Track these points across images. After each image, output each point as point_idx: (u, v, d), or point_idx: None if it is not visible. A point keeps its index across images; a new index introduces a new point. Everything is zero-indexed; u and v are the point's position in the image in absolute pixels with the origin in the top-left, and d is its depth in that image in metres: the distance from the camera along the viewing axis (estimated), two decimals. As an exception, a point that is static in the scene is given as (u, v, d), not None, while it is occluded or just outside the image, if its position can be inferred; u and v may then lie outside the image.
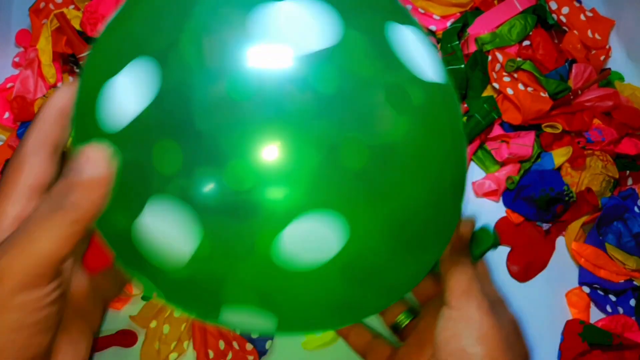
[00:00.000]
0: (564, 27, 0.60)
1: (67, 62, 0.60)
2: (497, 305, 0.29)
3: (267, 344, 0.48)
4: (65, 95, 0.24)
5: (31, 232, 0.21)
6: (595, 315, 0.51)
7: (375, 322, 0.35)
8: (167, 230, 0.19)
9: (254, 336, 0.48)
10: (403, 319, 0.34)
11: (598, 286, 0.51)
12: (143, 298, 0.50)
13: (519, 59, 0.57)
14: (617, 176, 0.54)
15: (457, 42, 0.57)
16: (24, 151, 0.23)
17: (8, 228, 0.22)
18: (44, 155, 0.23)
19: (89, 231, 0.22)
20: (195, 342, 0.48)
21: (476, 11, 0.60)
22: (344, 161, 0.19)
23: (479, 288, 0.29)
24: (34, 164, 0.23)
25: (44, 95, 0.55)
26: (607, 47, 0.61)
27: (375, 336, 0.35)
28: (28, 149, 0.23)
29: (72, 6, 0.61)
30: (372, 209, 0.19)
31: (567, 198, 0.52)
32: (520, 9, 0.59)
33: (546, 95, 0.55)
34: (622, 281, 0.51)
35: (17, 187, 0.23)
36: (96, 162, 0.20)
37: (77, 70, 0.60)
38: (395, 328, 0.35)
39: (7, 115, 0.57)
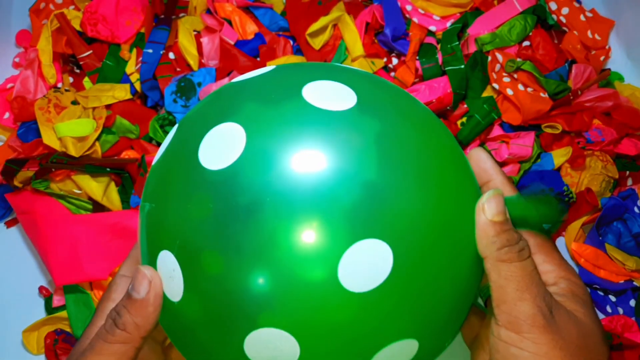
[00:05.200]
0: (564, 28, 0.60)
1: (67, 63, 0.60)
2: (557, 313, 0.26)
3: None
4: None
5: (90, 356, 0.25)
6: (595, 316, 0.51)
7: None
8: None
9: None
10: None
11: (598, 286, 0.51)
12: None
13: (518, 59, 0.57)
14: (616, 176, 0.54)
15: (457, 43, 0.57)
16: (118, 274, 0.30)
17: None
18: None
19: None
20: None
21: (476, 11, 0.60)
22: None
23: (532, 296, 0.25)
24: (125, 285, 0.29)
25: (44, 96, 0.55)
26: (607, 47, 0.61)
27: (473, 310, 0.31)
28: (121, 271, 0.29)
29: (72, 6, 0.61)
30: None
31: (567, 198, 0.52)
32: (520, 10, 0.59)
33: (546, 95, 0.55)
34: (622, 281, 0.51)
35: (108, 304, 0.28)
36: (143, 283, 0.24)
37: (77, 71, 0.60)
38: (482, 294, 0.31)
39: (7, 115, 0.57)
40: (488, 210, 0.25)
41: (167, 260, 0.21)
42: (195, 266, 0.20)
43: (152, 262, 0.23)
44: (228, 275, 0.19)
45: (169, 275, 0.22)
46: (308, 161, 0.18)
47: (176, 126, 0.24)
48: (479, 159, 0.28)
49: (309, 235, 0.17)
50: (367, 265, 0.18)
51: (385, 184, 0.18)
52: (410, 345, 0.20)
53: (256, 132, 0.19)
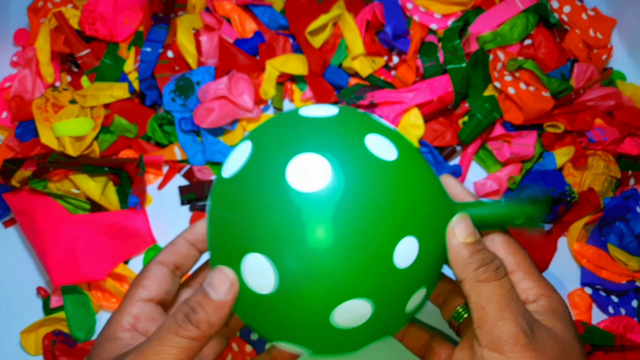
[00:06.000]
0: (566, 26, 0.60)
1: (66, 61, 0.60)
2: (538, 330, 0.26)
3: (267, 346, 0.47)
4: (196, 231, 0.30)
5: (157, 345, 0.25)
6: (597, 317, 0.51)
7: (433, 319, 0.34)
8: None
9: (254, 338, 0.47)
10: (461, 312, 0.32)
11: (600, 287, 0.51)
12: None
13: (520, 58, 0.56)
14: (619, 176, 0.54)
15: (459, 41, 0.57)
16: (153, 261, 0.30)
17: (127, 326, 0.28)
18: (166, 270, 0.30)
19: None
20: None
21: (477, 10, 0.60)
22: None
23: (513, 315, 0.26)
24: (157, 273, 0.29)
25: (42, 95, 0.55)
26: (609, 46, 0.61)
27: (433, 336, 0.33)
28: (158, 258, 0.30)
29: (71, 5, 0.61)
30: None
31: (569, 198, 0.52)
32: (522, 8, 0.59)
33: (548, 94, 0.54)
34: (624, 282, 0.51)
35: (138, 290, 0.29)
36: (225, 285, 0.26)
37: (76, 70, 0.60)
38: (455, 320, 0.32)
39: (5, 114, 0.57)
40: (459, 233, 0.27)
41: (256, 261, 0.25)
42: (290, 266, 0.24)
43: (234, 262, 0.26)
44: (320, 268, 0.24)
45: (257, 272, 0.25)
46: (373, 196, 0.25)
47: (248, 145, 0.27)
48: (449, 185, 0.30)
49: (378, 238, 0.25)
50: (408, 251, 0.26)
51: (418, 203, 0.27)
52: (422, 291, 0.28)
53: (339, 166, 0.25)
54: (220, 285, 0.26)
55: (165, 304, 0.31)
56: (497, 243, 0.29)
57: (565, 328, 0.27)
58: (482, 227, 0.29)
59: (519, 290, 0.28)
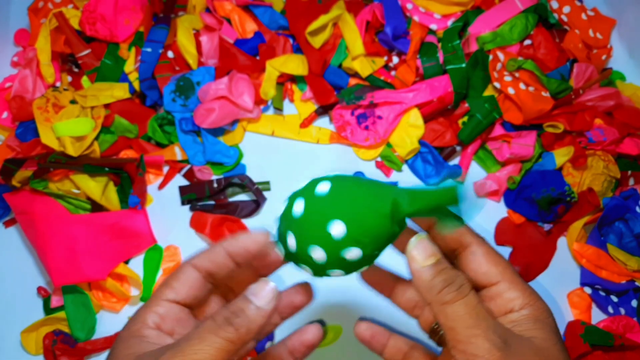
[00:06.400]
0: (565, 27, 0.60)
1: (66, 62, 0.60)
2: (513, 342, 0.27)
3: (267, 345, 0.47)
4: (237, 244, 0.30)
5: (196, 343, 0.26)
6: (597, 316, 0.51)
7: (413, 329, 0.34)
8: None
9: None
10: None
11: (599, 287, 0.51)
12: (142, 299, 0.50)
13: (520, 58, 0.57)
14: (618, 176, 0.54)
15: (458, 41, 0.57)
16: (188, 263, 0.30)
17: (152, 325, 0.29)
18: (197, 274, 0.30)
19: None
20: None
21: (477, 10, 0.60)
22: None
23: (483, 331, 0.26)
24: (189, 276, 0.30)
25: (42, 95, 0.55)
26: (609, 46, 0.61)
27: (413, 347, 0.33)
28: (193, 260, 0.30)
29: (71, 5, 0.61)
30: None
31: (568, 198, 0.52)
32: (522, 8, 0.59)
33: (547, 94, 0.55)
34: (624, 282, 0.51)
35: (166, 290, 0.30)
36: (268, 295, 0.27)
37: (76, 70, 0.60)
38: (434, 332, 0.33)
39: (5, 115, 0.57)
40: (418, 257, 0.27)
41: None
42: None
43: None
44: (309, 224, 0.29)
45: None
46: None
47: (303, 201, 0.30)
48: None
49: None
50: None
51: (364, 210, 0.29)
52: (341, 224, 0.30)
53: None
54: (264, 294, 0.27)
55: (193, 307, 0.31)
56: (479, 255, 0.29)
57: (547, 337, 0.28)
58: (428, 213, 0.29)
59: (504, 301, 0.29)
